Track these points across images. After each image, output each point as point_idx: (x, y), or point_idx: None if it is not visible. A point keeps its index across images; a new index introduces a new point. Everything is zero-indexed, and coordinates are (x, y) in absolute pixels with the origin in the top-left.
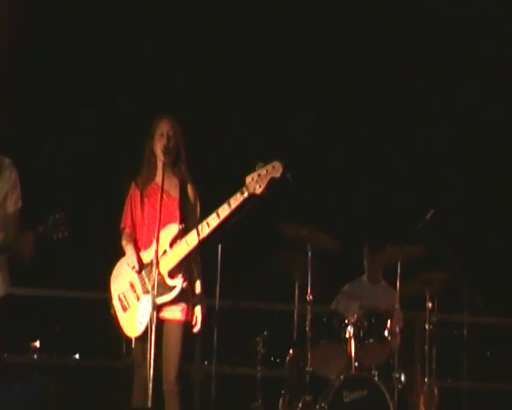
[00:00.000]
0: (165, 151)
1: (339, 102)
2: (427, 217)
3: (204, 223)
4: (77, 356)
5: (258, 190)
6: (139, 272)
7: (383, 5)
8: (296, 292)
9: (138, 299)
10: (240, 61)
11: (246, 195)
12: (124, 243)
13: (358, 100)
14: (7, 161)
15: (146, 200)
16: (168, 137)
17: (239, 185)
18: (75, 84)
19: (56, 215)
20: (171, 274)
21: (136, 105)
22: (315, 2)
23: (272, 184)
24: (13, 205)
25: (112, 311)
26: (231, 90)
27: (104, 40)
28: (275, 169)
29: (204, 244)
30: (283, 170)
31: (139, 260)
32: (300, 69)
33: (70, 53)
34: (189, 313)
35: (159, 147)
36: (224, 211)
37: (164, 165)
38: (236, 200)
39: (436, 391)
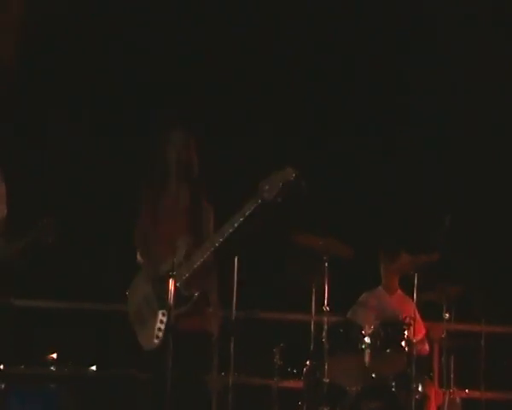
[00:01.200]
0: (178, 163)
1: (352, 109)
2: (443, 224)
3: (218, 232)
4: (94, 368)
5: (271, 197)
6: (155, 287)
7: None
8: (313, 303)
9: (155, 312)
10: (252, 67)
11: (259, 201)
12: (139, 258)
13: (373, 107)
14: None
15: (159, 213)
16: (181, 149)
17: (252, 193)
18: (87, 92)
19: (45, 220)
20: (187, 285)
21: (151, 116)
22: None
23: (285, 190)
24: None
25: (129, 324)
26: (246, 98)
27: (116, 44)
28: (287, 174)
29: (219, 255)
30: (296, 175)
31: (155, 273)
32: (315, 78)
33: (81, 56)
34: (206, 323)
35: (172, 157)
36: (238, 219)
37: (176, 177)
38: (250, 207)
39: (458, 401)
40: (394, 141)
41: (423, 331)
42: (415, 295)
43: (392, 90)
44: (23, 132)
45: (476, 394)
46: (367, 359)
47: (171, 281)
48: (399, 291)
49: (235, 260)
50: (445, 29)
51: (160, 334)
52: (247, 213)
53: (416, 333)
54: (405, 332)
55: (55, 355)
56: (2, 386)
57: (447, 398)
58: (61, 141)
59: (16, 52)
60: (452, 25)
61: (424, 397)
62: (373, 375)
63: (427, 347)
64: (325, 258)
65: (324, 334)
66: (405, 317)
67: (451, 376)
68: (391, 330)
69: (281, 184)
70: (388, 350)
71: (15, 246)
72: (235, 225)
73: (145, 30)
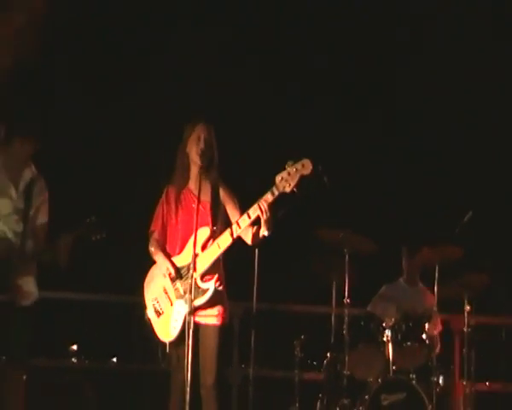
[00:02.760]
0: (202, 155)
1: (376, 102)
2: (465, 218)
3: (235, 224)
4: (114, 360)
5: (288, 189)
6: (174, 279)
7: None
8: (333, 295)
9: (172, 304)
10: (270, 57)
11: (276, 194)
12: (152, 249)
13: (396, 101)
14: (38, 175)
15: (180, 205)
16: (205, 142)
17: (269, 185)
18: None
19: (92, 218)
20: (204, 277)
21: (172, 109)
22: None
23: (303, 182)
24: (43, 218)
25: (146, 317)
26: (263, 88)
27: (139, 38)
28: (304, 167)
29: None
30: (314, 168)
31: (173, 265)
32: (342, 70)
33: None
34: (225, 316)
35: (194, 151)
36: (255, 212)
37: (200, 169)
38: (267, 200)
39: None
40: (416, 133)
41: (439, 328)
42: (435, 288)
43: (411, 85)
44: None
45: (497, 386)
46: (387, 351)
47: (191, 273)
48: (420, 284)
49: (256, 252)
50: (446, 29)
51: (177, 325)
52: (264, 207)
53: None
54: (426, 325)
55: (75, 347)
56: (24, 377)
57: (468, 391)
58: (89, 136)
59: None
60: (453, 25)
61: (445, 390)
62: (393, 368)
63: (439, 345)
64: (346, 251)
65: (345, 326)
66: (426, 309)
67: (471, 369)
68: (411, 322)
69: (298, 176)
70: (409, 343)
71: (62, 242)
72: (253, 217)
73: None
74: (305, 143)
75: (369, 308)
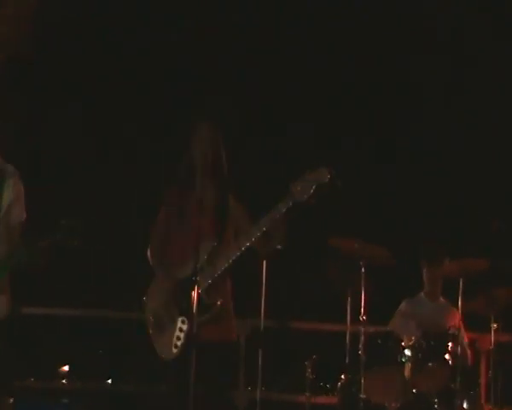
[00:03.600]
0: (205, 158)
1: (392, 113)
2: (491, 229)
3: (244, 235)
4: (109, 381)
5: (304, 199)
6: (175, 293)
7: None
8: (348, 312)
9: (173, 320)
10: (285, 65)
11: (290, 203)
12: (153, 261)
13: (412, 112)
14: (10, 168)
15: (183, 211)
16: (208, 144)
17: (283, 194)
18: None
19: (71, 221)
20: (209, 292)
21: (180, 112)
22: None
23: (319, 191)
24: (17, 217)
25: (146, 332)
26: (277, 93)
27: (139, 38)
28: (321, 175)
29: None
30: (331, 176)
31: (176, 279)
32: (354, 79)
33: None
34: (231, 333)
35: (198, 154)
36: (267, 222)
37: (203, 174)
38: (280, 209)
39: None
40: (439, 142)
41: (466, 339)
42: (459, 303)
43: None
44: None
45: None
46: (407, 373)
47: (193, 287)
48: (442, 299)
49: (264, 264)
50: (446, 28)
51: (179, 343)
52: (277, 217)
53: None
54: (449, 344)
55: (66, 368)
56: (11, 401)
57: None
58: (79, 140)
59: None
60: (453, 24)
61: None
62: (414, 390)
63: (470, 356)
64: (362, 263)
65: (361, 346)
66: (449, 327)
67: (499, 392)
68: (433, 341)
69: (314, 185)
70: (430, 363)
71: (37, 247)
72: (264, 228)
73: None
74: (318, 147)
75: (389, 327)
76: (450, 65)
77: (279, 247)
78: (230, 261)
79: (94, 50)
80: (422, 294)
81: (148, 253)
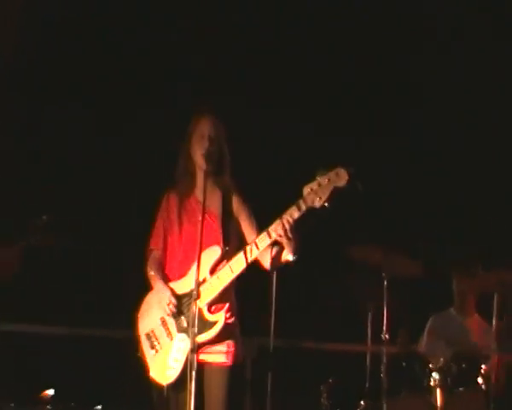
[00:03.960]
0: (207, 157)
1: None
2: None
3: (252, 245)
4: (99, 407)
5: (319, 203)
6: (175, 313)
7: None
8: (369, 329)
9: (171, 338)
10: (295, 54)
11: (303, 209)
12: (152, 273)
13: (442, 114)
14: None
15: (183, 217)
16: (210, 140)
17: (295, 197)
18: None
19: (43, 219)
20: (212, 307)
21: (175, 104)
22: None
23: (335, 195)
24: None
25: (139, 352)
26: (288, 80)
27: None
28: (339, 177)
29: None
30: (350, 178)
31: (174, 293)
32: (354, 78)
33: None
34: (237, 354)
35: (199, 152)
36: (277, 230)
37: (206, 174)
38: (292, 216)
39: None
40: (471, 142)
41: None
42: (494, 320)
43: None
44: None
45: None
46: (435, 399)
47: (193, 301)
48: (476, 315)
49: (274, 276)
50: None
51: (177, 365)
52: (288, 224)
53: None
54: (482, 366)
55: (51, 392)
56: None
57: None
58: (63, 134)
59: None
60: (453, 24)
61: None
62: None
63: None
64: (384, 274)
65: (383, 368)
66: (483, 347)
67: None
68: (465, 363)
69: (331, 187)
70: (462, 389)
71: (10, 251)
72: (274, 236)
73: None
74: (336, 146)
75: (415, 348)
76: (451, 65)
77: (290, 260)
78: (236, 274)
79: (94, 49)
80: (452, 309)
81: (148, 267)
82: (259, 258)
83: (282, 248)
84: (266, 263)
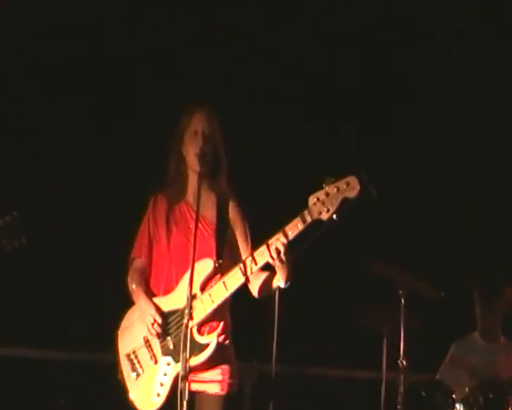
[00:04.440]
0: (201, 157)
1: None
2: None
3: (249, 259)
4: None
5: (326, 216)
6: (160, 334)
7: None
8: (384, 355)
9: (155, 361)
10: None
11: (308, 221)
12: (133, 286)
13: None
14: None
15: (171, 224)
16: (204, 137)
17: (299, 207)
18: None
19: (7, 218)
20: (203, 328)
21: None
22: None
23: (345, 207)
24: None
25: (119, 376)
26: (288, 80)
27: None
28: (349, 187)
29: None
30: (362, 187)
31: (159, 310)
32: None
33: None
34: (232, 382)
35: (191, 151)
36: (278, 243)
37: (199, 176)
38: (295, 228)
39: None
40: (491, 148)
41: None
42: None
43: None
44: None
45: None
46: None
47: (186, 322)
48: (503, 339)
49: (276, 296)
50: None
51: (162, 391)
52: (291, 237)
53: None
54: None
55: None
56: None
57: None
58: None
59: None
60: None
61: None
62: None
63: None
64: (401, 292)
65: (400, 398)
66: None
67: None
68: (492, 393)
69: (341, 198)
70: None
71: None
72: (273, 252)
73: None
74: (347, 151)
75: (436, 376)
76: (451, 65)
77: (282, 286)
78: (231, 291)
79: (93, 49)
80: (476, 333)
81: (129, 279)
82: (248, 283)
83: (273, 274)
84: (254, 289)
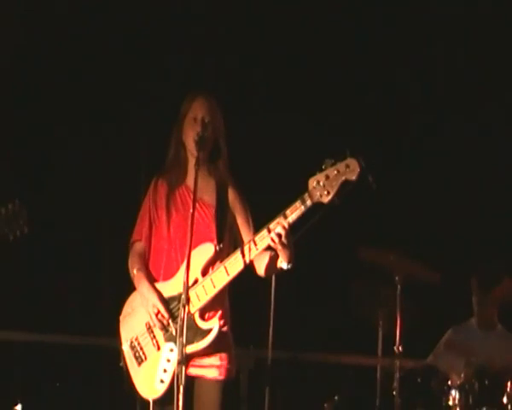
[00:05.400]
0: (200, 143)
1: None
2: None
3: (251, 243)
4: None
5: (326, 199)
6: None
7: None
8: (379, 341)
9: (159, 348)
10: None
11: (308, 204)
12: (134, 271)
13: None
14: None
15: (172, 209)
16: (204, 124)
17: (300, 191)
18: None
19: (10, 206)
20: (205, 313)
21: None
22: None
23: (345, 189)
24: None
25: (122, 363)
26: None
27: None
28: (349, 169)
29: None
30: (362, 171)
31: (161, 297)
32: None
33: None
34: (230, 367)
35: (191, 137)
36: (279, 227)
37: (198, 162)
38: (296, 211)
39: None
40: (491, 136)
41: None
42: None
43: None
44: None
45: None
46: None
47: (183, 306)
48: (499, 327)
49: (273, 280)
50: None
51: (166, 377)
52: (291, 220)
53: None
54: (508, 384)
55: (19, 408)
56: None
57: None
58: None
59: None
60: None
61: None
62: None
63: None
64: (398, 279)
65: (395, 384)
66: (507, 362)
67: None
68: (488, 380)
69: (341, 180)
70: (484, 409)
71: None
72: (274, 234)
73: None
74: (345, 133)
75: (429, 360)
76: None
77: (284, 268)
78: (232, 276)
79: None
80: (473, 320)
81: (130, 263)
82: (254, 262)
83: (277, 255)
84: (261, 269)
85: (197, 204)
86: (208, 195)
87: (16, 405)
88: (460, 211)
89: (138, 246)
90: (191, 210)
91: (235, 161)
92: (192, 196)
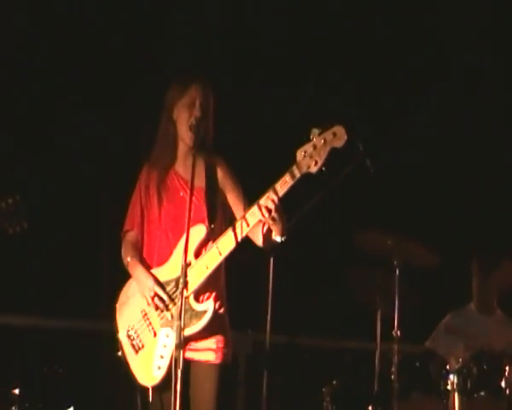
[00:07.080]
0: (197, 127)
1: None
2: None
3: (242, 221)
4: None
5: (314, 169)
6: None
7: None
8: (378, 325)
9: (155, 334)
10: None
11: (298, 175)
12: (128, 259)
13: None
14: None
15: (163, 193)
16: (203, 108)
17: (288, 163)
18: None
19: (9, 200)
20: (199, 295)
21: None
22: None
23: (333, 157)
24: None
25: (119, 352)
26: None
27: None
28: (336, 137)
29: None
30: (349, 137)
31: (159, 285)
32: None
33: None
34: (227, 351)
35: (186, 121)
36: (269, 201)
37: (196, 145)
38: (285, 184)
39: None
40: (493, 122)
41: None
42: None
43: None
44: None
45: None
46: (453, 404)
47: (179, 289)
48: (499, 312)
49: (271, 263)
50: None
51: (164, 364)
52: (282, 193)
53: None
54: (506, 368)
55: (16, 391)
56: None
57: None
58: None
59: None
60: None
61: None
62: None
63: None
64: (396, 263)
65: (393, 369)
66: (506, 346)
67: None
68: (486, 364)
69: (328, 148)
70: (483, 393)
71: None
72: (266, 212)
73: None
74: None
75: (427, 344)
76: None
77: (278, 241)
78: (225, 255)
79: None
80: (472, 305)
81: (124, 252)
82: (251, 235)
83: (268, 229)
84: (258, 241)
85: (186, 188)
86: (198, 178)
87: (15, 389)
88: (460, 194)
89: (130, 236)
90: (187, 195)
91: (224, 139)
92: (181, 181)
